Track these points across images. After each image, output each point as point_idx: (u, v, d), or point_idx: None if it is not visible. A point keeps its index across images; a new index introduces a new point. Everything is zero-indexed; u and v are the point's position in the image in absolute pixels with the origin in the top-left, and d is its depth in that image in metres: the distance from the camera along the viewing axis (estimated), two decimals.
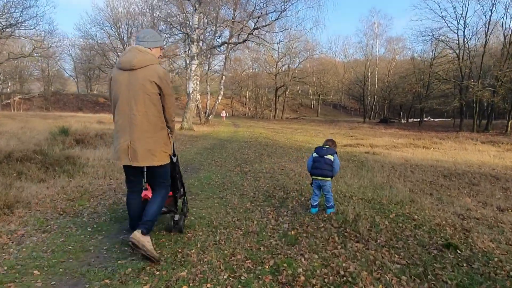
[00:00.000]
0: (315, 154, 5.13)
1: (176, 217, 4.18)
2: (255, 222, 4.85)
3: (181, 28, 26.39)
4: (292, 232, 4.46)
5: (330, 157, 5.02)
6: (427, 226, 4.85)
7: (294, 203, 5.83)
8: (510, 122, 31.48)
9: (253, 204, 5.76)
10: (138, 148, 3.36)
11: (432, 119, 62.16)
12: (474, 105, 34.94)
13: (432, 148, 17.85)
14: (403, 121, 57.23)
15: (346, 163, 11.36)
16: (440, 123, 52.33)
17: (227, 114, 60.24)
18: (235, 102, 74.28)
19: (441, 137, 25.26)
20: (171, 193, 4.05)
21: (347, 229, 4.57)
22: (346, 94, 78.03)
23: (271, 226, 4.71)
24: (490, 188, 8.00)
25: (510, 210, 6.08)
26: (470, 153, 15.61)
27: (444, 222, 5.06)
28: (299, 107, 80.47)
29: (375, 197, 6.38)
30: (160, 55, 3.77)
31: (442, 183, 8.50)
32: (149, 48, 3.55)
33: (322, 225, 4.77)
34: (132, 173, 3.65)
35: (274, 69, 59.81)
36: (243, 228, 4.58)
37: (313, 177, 5.18)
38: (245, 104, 72.23)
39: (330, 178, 5.10)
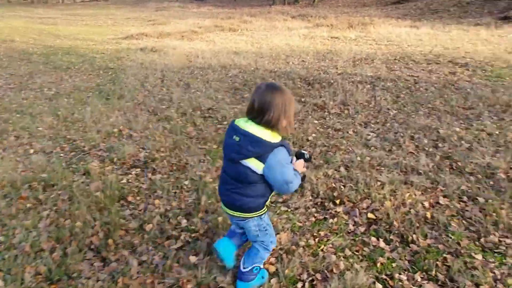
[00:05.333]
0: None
1: None
2: None
3: None
4: None
5: (255, 164, 1.55)
6: None
7: None
8: None
9: None
10: None
11: None
12: None
13: (239, 30, 14.17)
14: None
15: (85, 82, 6.33)
16: None
17: None
18: None
19: (253, 14, 21.97)
20: None
21: None
22: None
23: None
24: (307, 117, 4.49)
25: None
26: (279, 33, 12.48)
27: None
28: None
29: None
30: None
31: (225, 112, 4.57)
32: None
33: None
34: None
35: None
36: None
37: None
38: None
39: (254, 214, 1.69)
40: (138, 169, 3.23)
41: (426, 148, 3.44)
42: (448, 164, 3.12)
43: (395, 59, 7.36)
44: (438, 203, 2.57)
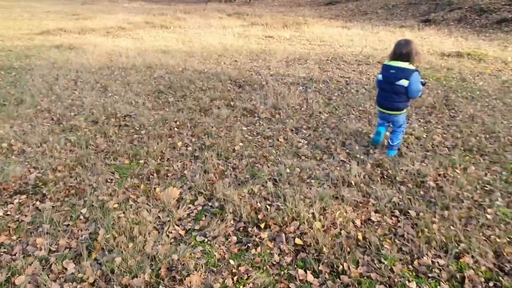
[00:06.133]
0: (380, 77, 3.16)
1: None
2: None
3: None
4: None
5: (404, 82, 2.98)
6: None
7: None
8: None
9: None
10: None
11: None
12: None
13: (172, 27, 13.44)
14: None
15: None
16: None
17: None
18: None
19: (188, 11, 21.24)
20: None
21: None
22: None
23: None
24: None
25: None
26: (214, 31, 12.02)
27: None
28: None
29: None
30: None
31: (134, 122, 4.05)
32: None
33: None
34: None
35: None
36: None
37: (378, 108, 3.30)
38: None
39: (402, 111, 3.16)
40: (24, 196, 2.61)
41: (358, 155, 3.26)
42: (379, 173, 2.96)
43: (327, 59, 7.32)
44: (370, 219, 2.36)
